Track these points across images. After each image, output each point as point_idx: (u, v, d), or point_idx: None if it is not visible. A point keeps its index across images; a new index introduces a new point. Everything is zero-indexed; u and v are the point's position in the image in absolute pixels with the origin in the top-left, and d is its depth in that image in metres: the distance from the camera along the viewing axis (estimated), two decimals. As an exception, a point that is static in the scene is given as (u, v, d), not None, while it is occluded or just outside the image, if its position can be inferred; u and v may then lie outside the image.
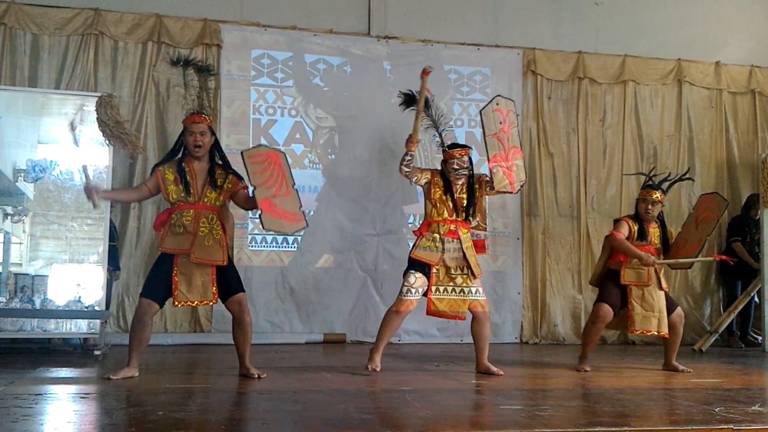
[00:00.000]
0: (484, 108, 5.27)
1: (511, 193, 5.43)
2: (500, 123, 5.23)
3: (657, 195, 5.59)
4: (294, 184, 4.77)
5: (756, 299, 8.13)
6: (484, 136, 5.22)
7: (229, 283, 4.79)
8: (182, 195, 4.73)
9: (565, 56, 8.30)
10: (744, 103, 8.74)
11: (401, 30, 7.98)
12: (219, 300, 4.82)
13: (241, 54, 7.60)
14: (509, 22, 8.27)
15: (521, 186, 5.41)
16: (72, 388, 4.36)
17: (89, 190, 4.65)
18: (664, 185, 5.73)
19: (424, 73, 5.12)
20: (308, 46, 7.75)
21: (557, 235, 8.13)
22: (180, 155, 4.85)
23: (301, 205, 4.78)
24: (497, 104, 5.28)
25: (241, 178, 4.86)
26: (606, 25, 8.48)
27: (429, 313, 5.16)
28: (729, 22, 8.79)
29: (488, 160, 5.17)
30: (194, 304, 4.85)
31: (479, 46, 8.14)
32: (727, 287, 8.29)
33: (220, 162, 4.88)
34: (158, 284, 4.73)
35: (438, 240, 5.11)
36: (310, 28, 7.77)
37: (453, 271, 5.12)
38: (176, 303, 4.75)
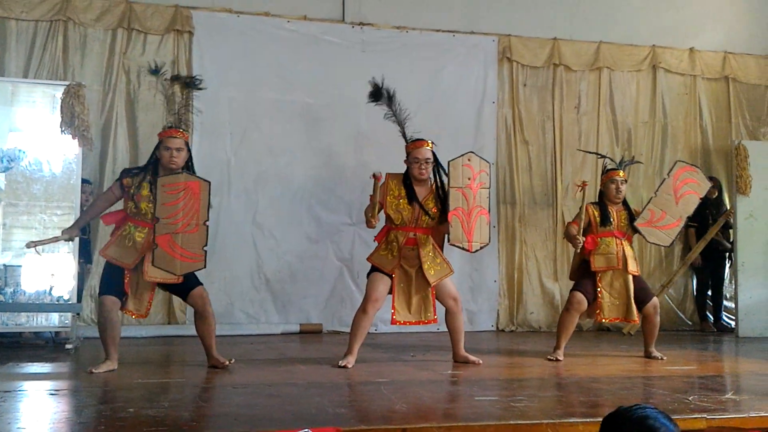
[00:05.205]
0: (453, 159, 5.14)
1: (468, 251, 5.20)
2: (468, 179, 5.11)
3: (623, 173, 5.63)
4: (207, 219, 4.70)
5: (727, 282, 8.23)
6: (449, 186, 5.10)
7: (185, 280, 4.76)
8: (148, 213, 4.73)
9: (541, 43, 8.27)
10: (718, 90, 8.76)
11: (376, 16, 7.89)
12: (180, 298, 4.93)
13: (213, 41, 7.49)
14: (484, 9, 8.20)
15: (481, 248, 5.19)
16: (42, 384, 4.30)
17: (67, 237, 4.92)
18: (622, 166, 5.79)
19: (376, 179, 5.04)
20: (282, 32, 7.64)
21: (533, 223, 8.13)
22: (152, 168, 4.82)
23: (206, 244, 4.70)
24: (469, 160, 5.17)
25: None
26: (581, 11, 8.45)
27: (393, 323, 5.15)
28: (703, 9, 8.80)
29: (447, 212, 5.04)
30: (136, 316, 4.90)
31: (454, 32, 8.07)
32: (696, 272, 8.33)
33: None
34: (116, 281, 4.75)
35: (395, 249, 5.07)
36: (283, 14, 7.66)
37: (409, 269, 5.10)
38: (123, 310, 4.82)
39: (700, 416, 3.39)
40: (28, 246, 5.00)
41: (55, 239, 5.06)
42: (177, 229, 4.62)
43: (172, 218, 4.62)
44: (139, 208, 4.76)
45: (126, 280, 4.74)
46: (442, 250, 5.25)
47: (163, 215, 4.61)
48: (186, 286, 4.79)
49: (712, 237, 7.90)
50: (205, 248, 4.70)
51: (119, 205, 4.98)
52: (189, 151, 4.91)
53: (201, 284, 4.87)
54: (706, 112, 8.70)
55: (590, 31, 8.39)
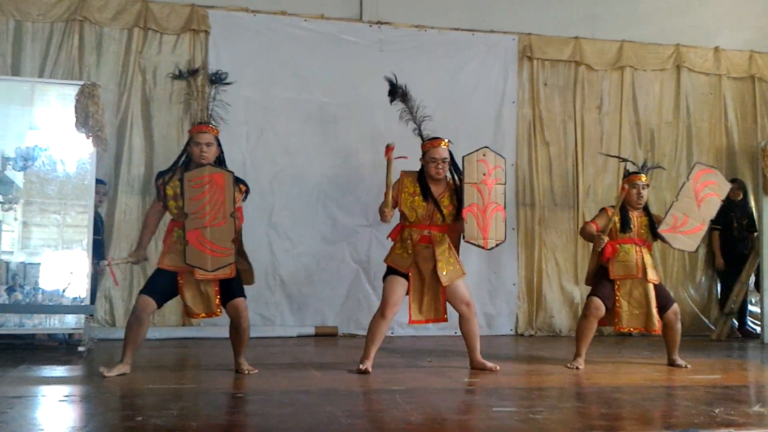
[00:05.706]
0: (468, 155, 5.01)
1: (483, 248, 5.06)
2: (483, 174, 4.98)
3: (645, 178, 5.48)
4: (233, 211, 4.63)
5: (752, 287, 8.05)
6: (462, 182, 4.98)
7: (230, 287, 4.73)
8: (174, 211, 4.70)
9: (562, 42, 8.13)
10: (744, 89, 8.59)
11: (394, 15, 7.80)
12: (221, 302, 4.79)
13: (230, 40, 7.42)
14: (504, 7, 8.09)
15: (496, 245, 5.04)
16: (53, 390, 4.23)
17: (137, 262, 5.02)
18: (644, 170, 5.64)
19: (388, 149, 4.92)
20: (298, 31, 7.56)
21: (553, 225, 7.99)
22: (183, 166, 4.77)
23: (234, 237, 4.64)
24: (483, 155, 5.04)
25: (244, 191, 4.84)
26: (603, 10, 8.30)
27: (411, 322, 5.06)
28: (728, 7, 8.62)
29: (463, 207, 4.94)
30: (201, 317, 4.84)
31: (474, 31, 7.96)
32: (721, 277, 8.14)
33: None
34: (161, 285, 4.70)
35: (410, 247, 4.97)
36: (300, 13, 7.59)
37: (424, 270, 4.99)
38: (188, 316, 4.88)
39: (727, 430, 3.25)
40: (102, 264, 5.04)
41: (127, 261, 5.12)
42: (205, 223, 4.57)
43: (200, 212, 4.58)
44: (169, 207, 4.74)
45: (180, 284, 4.68)
46: (458, 251, 5.14)
47: (191, 210, 4.57)
48: (229, 293, 4.73)
49: (737, 239, 7.88)
50: (233, 241, 4.65)
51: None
52: (220, 146, 4.85)
53: (244, 296, 4.79)
54: (732, 112, 8.52)
55: (613, 30, 8.25)
